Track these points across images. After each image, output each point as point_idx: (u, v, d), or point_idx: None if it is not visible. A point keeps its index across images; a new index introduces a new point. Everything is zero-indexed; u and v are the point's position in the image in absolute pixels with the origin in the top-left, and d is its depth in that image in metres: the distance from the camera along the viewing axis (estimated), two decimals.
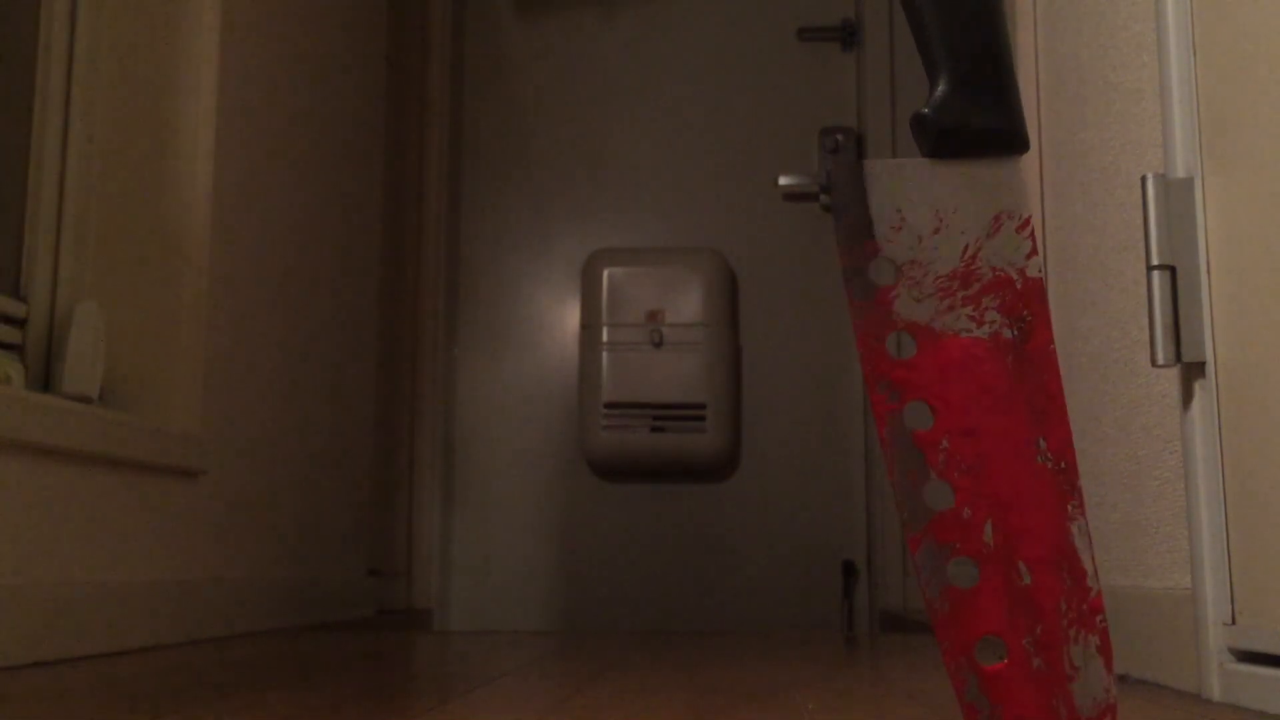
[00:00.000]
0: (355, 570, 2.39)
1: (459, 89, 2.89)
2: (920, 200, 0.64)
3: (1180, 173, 1.00)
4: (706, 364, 2.72)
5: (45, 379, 1.52)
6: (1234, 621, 0.94)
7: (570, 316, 2.83)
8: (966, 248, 0.63)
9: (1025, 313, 0.63)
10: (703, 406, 2.70)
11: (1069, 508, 0.62)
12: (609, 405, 2.73)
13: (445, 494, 2.68)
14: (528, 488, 2.89)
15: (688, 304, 2.74)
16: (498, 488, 2.85)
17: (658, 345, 2.72)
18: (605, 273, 2.75)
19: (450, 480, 2.74)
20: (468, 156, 2.91)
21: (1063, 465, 0.62)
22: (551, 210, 2.94)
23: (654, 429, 2.71)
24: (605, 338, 2.73)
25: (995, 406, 0.62)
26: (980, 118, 0.63)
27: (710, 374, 2.71)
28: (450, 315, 2.83)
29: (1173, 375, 1.03)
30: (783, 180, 2.73)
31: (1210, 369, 0.97)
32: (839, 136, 2.74)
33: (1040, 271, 0.64)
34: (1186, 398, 0.99)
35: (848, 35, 2.85)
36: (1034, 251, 0.63)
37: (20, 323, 1.51)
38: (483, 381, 2.88)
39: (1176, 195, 0.99)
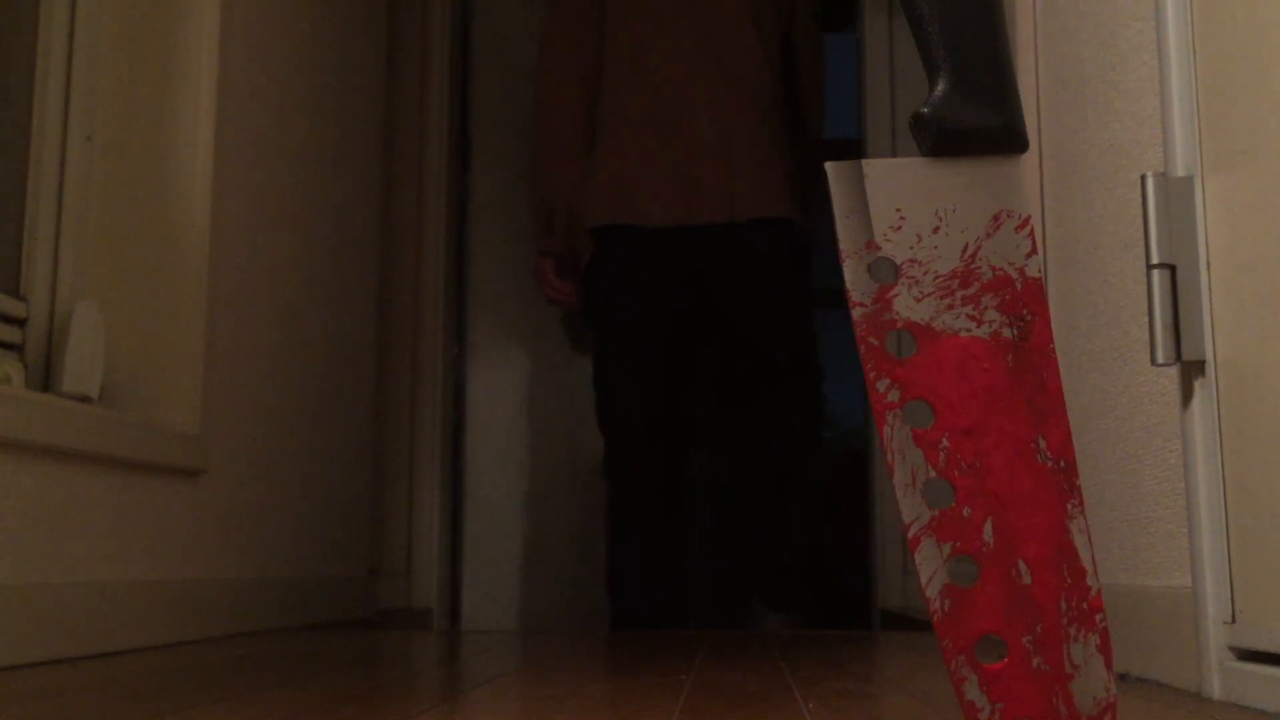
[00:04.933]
0: (355, 570, 2.39)
1: (463, 87, 2.88)
2: (920, 200, 0.64)
3: (1180, 171, 1.00)
4: None
5: (45, 379, 1.52)
6: (1234, 620, 0.94)
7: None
8: (966, 247, 0.63)
9: (1025, 312, 0.63)
10: None
11: (1068, 506, 0.62)
12: None
13: (445, 494, 2.68)
14: (529, 488, 2.89)
15: None
16: (500, 488, 2.85)
17: None
18: None
19: (451, 480, 2.74)
20: (475, 155, 2.91)
21: (1062, 464, 0.62)
22: None
23: None
24: None
25: (995, 406, 0.62)
26: (980, 117, 0.63)
27: None
28: (458, 315, 2.82)
29: (1172, 374, 1.03)
30: None
31: (1210, 367, 0.97)
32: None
33: (1040, 271, 0.64)
34: (1186, 396, 0.99)
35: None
36: (1033, 251, 0.64)
37: (20, 323, 1.51)
38: (490, 382, 2.88)
39: (1176, 194, 0.99)
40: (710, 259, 2.28)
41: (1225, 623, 0.94)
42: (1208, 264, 0.98)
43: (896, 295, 0.63)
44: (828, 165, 0.64)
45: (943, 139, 0.63)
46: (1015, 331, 0.63)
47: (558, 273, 2.43)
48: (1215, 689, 0.95)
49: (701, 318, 2.35)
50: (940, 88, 0.63)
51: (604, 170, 2.30)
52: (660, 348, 2.32)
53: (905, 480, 0.62)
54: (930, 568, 0.61)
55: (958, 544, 0.61)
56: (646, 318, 2.32)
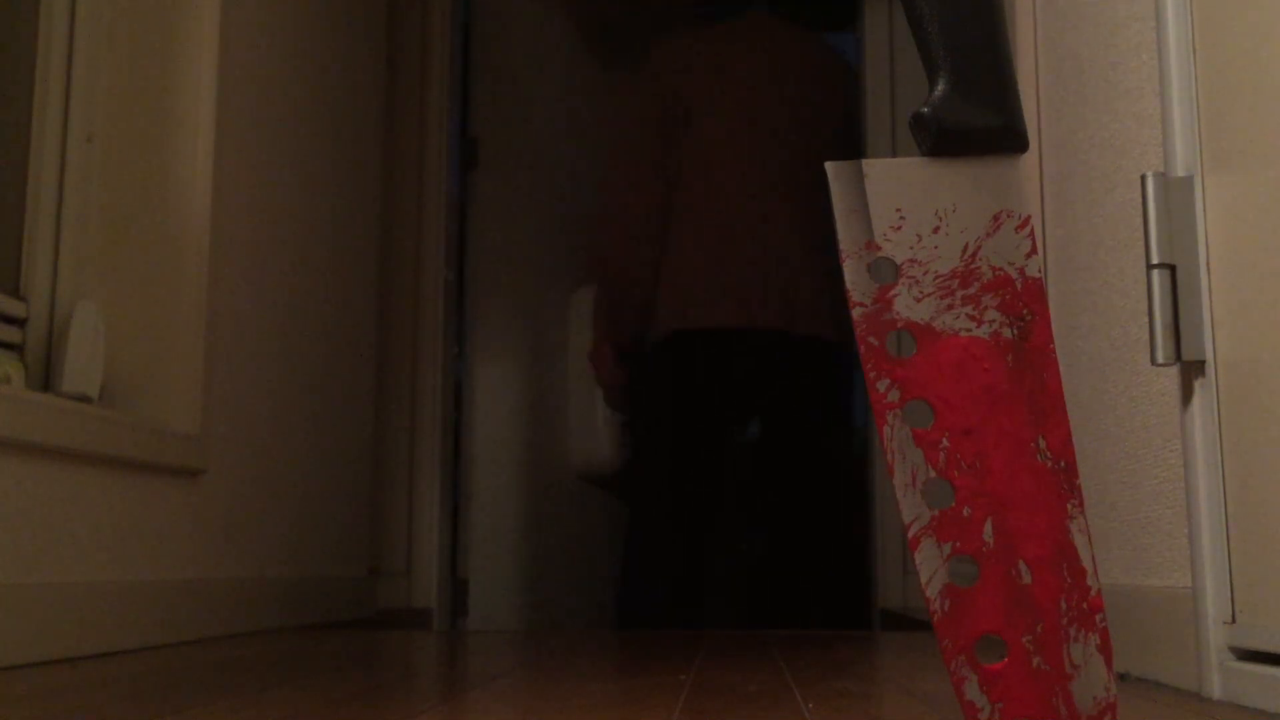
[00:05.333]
0: (355, 570, 2.39)
1: (463, 88, 2.88)
2: (920, 199, 0.64)
3: (1180, 171, 1.00)
4: None
5: (45, 379, 1.52)
6: (1234, 620, 0.94)
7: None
8: (966, 247, 0.63)
9: (1025, 312, 0.63)
10: None
11: (1069, 506, 0.62)
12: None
13: (445, 494, 2.68)
14: (529, 488, 2.89)
15: None
16: (500, 488, 2.85)
17: None
18: None
19: (451, 480, 2.74)
20: (476, 155, 2.90)
21: (1062, 464, 0.62)
22: (563, 212, 2.94)
23: None
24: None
25: (995, 405, 0.62)
26: (980, 117, 0.63)
27: None
28: (458, 315, 2.82)
29: (1173, 374, 1.03)
30: None
31: (1210, 367, 0.97)
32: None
33: (1040, 271, 0.64)
34: (1186, 396, 0.99)
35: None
36: (1034, 251, 0.63)
37: (20, 323, 1.51)
38: (490, 382, 2.87)
39: (1176, 194, 0.99)
40: (759, 354, 2.39)
41: (1225, 623, 0.94)
42: (1208, 264, 0.98)
43: (896, 295, 0.63)
44: (828, 165, 0.64)
45: (943, 139, 0.63)
46: (1015, 331, 0.63)
47: (616, 359, 2.55)
48: (1215, 689, 0.95)
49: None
50: (940, 88, 0.63)
51: (671, 281, 2.39)
52: (696, 429, 2.43)
53: (905, 480, 0.62)
54: (930, 568, 0.61)
55: (958, 544, 0.61)
56: (686, 405, 2.43)
